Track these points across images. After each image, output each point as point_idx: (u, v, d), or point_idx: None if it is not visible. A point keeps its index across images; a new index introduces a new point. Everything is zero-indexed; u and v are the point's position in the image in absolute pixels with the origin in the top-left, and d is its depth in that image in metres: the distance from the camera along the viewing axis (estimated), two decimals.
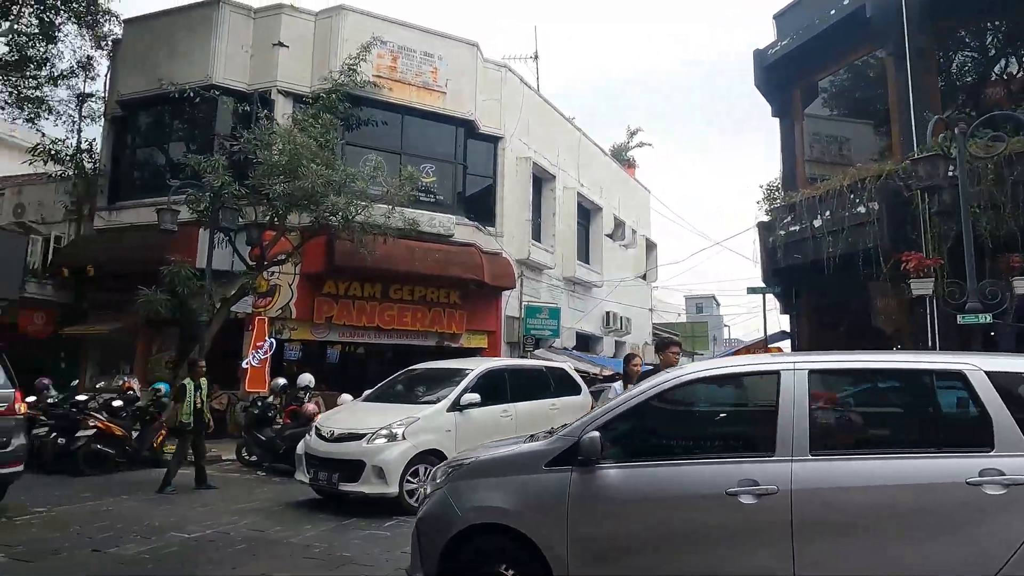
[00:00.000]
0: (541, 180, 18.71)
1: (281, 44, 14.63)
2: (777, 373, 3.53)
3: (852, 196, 10.09)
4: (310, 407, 10.19)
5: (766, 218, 12.50)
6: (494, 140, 16.94)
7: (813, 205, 10.98)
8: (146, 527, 6.49)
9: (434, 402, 8.10)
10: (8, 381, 7.43)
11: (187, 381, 8.86)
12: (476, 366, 8.78)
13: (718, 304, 49.93)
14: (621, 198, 23.58)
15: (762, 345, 14.47)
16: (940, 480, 3.16)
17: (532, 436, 4.42)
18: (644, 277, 25.32)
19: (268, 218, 12.53)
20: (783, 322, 13.90)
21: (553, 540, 3.58)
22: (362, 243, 12.88)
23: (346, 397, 10.62)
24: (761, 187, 12.70)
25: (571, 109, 42.67)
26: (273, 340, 13.77)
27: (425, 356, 15.72)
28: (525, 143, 17.78)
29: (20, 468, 7.43)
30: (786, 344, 13.32)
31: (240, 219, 12.28)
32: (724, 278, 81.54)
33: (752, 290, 14.53)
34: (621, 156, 26.49)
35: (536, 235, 18.15)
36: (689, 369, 3.99)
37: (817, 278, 10.83)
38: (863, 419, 3.88)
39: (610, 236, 22.07)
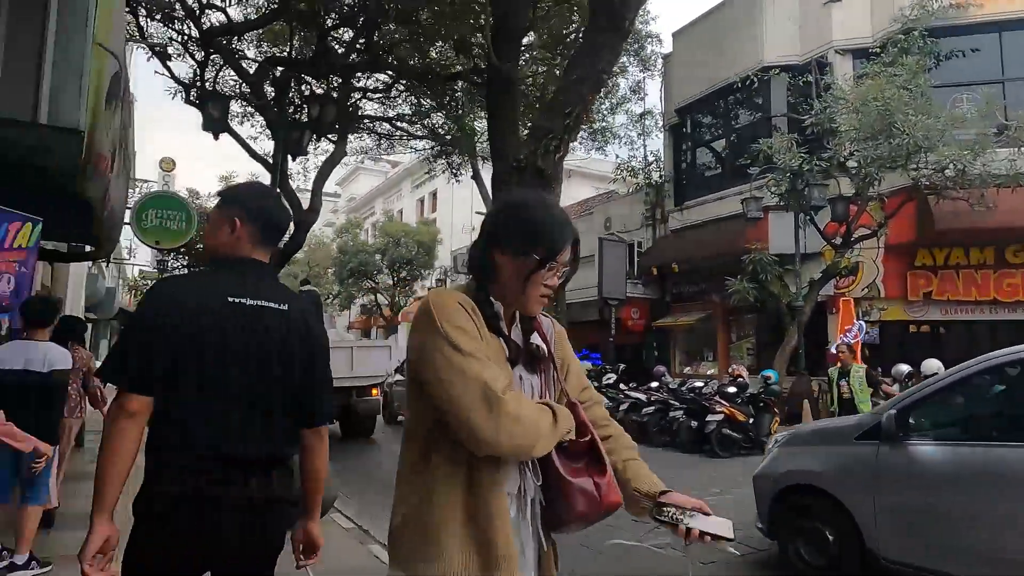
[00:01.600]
0: None
1: (833, 0, 13.44)
2: None
3: None
4: None
5: None
6: None
7: None
8: None
9: None
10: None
11: (831, 370, 8.58)
12: None
13: None
14: None
15: None
16: None
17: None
18: None
19: (854, 191, 11.48)
20: None
21: (860, 505, 3.89)
22: (980, 199, 10.59)
23: None
24: None
25: None
26: (862, 323, 12.57)
27: None
28: None
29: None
30: None
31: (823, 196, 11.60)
32: None
33: None
34: None
35: None
36: (1007, 351, 3.80)
37: None
38: None
39: None
